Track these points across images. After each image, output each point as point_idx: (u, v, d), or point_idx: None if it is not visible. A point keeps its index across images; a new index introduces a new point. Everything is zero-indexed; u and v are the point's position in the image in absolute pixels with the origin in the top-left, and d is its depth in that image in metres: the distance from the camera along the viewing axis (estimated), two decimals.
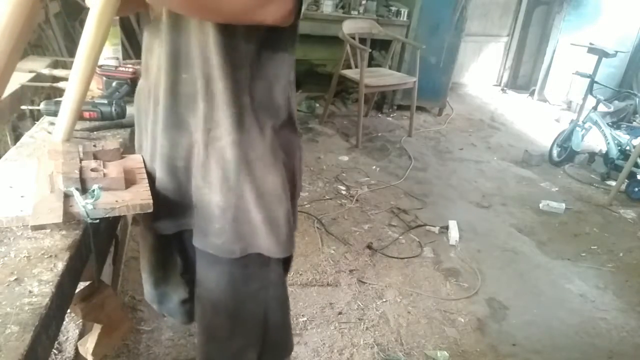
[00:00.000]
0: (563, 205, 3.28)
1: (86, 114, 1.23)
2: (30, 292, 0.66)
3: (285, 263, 1.13)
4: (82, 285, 0.90)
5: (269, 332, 1.12)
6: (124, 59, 1.80)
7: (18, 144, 1.13)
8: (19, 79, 1.54)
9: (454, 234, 2.73)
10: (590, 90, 3.89)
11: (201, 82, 0.89)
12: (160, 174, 1.01)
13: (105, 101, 1.28)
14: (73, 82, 0.93)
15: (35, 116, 1.40)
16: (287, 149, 1.00)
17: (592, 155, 4.11)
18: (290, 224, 1.02)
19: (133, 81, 1.52)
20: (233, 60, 0.87)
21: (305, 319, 2.01)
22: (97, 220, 0.81)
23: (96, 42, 0.89)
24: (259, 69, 0.91)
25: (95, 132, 1.21)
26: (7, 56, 0.64)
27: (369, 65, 4.52)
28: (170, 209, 1.04)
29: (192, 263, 1.10)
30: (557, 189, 3.67)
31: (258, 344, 1.12)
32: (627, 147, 3.69)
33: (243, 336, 1.11)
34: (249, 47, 0.88)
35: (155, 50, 0.94)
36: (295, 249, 1.07)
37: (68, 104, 0.96)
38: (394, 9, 4.62)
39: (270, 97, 0.94)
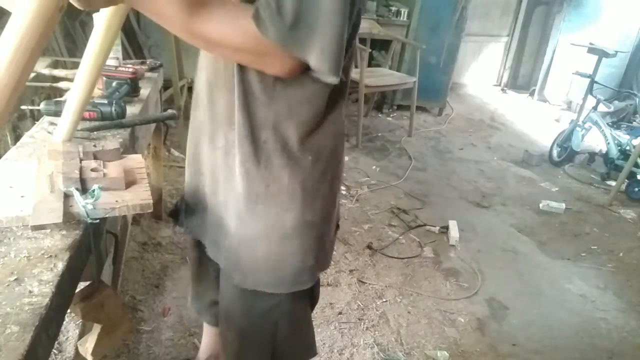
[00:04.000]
0: (563, 205, 3.28)
1: (86, 114, 1.23)
2: (30, 292, 0.66)
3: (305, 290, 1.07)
4: (82, 285, 0.90)
5: (277, 346, 1.10)
6: (124, 59, 1.80)
7: (18, 144, 1.13)
8: None
9: (454, 234, 2.72)
10: (590, 90, 3.89)
11: (227, 107, 0.89)
12: (188, 174, 1.06)
13: (105, 101, 1.28)
14: (79, 83, 0.94)
15: (35, 116, 1.40)
16: (313, 189, 0.93)
17: (592, 155, 4.11)
18: (300, 262, 0.97)
19: (133, 81, 1.52)
20: (255, 93, 0.84)
21: None
22: (97, 220, 0.81)
23: (104, 47, 0.90)
24: (286, 105, 0.86)
25: (95, 132, 1.21)
26: (21, 69, 0.63)
27: (369, 65, 4.52)
28: (190, 213, 1.08)
29: None
30: (557, 189, 3.67)
31: (268, 358, 1.11)
32: (627, 147, 3.69)
33: (253, 353, 1.11)
34: (274, 82, 0.83)
35: (203, 58, 0.95)
36: (312, 281, 1.02)
37: (72, 104, 0.96)
38: (394, 9, 4.62)
39: (296, 135, 0.88)
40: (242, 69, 0.84)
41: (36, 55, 0.64)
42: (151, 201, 0.87)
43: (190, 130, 1.06)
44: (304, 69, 0.77)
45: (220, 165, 0.95)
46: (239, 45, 0.75)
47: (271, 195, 0.91)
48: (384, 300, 2.18)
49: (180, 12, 0.71)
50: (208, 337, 1.50)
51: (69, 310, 0.83)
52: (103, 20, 0.86)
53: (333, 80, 0.75)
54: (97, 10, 0.85)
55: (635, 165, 3.42)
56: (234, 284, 1.00)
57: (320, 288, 2.29)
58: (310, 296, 1.14)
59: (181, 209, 1.15)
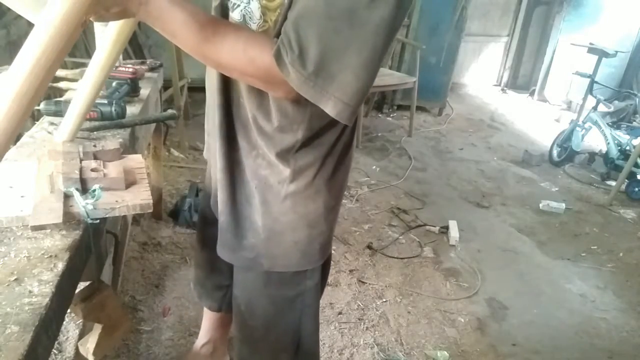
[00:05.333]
0: (563, 205, 3.28)
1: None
2: (30, 292, 0.66)
3: (326, 262, 1.12)
4: (82, 285, 0.90)
5: (303, 341, 1.12)
6: (124, 59, 1.80)
7: (18, 144, 1.13)
8: None
9: (454, 234, 2.72)
10: (590, 90, 3.89)
11: (250, 115, 0.90)
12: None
13: (105, 101, 1.28)
14: (85, 86, 0.94)
15: (35, 116, 1.40)
16: (334, 178, 0.99)
17: (592, 155, 4.11)
18: (326, 238, 1.03)
19: (133, 81, 1.52)
20: (282, 102, 0.85)
21: None
22: (97, 221, 0.81)
23: (113, 53, 0.90)
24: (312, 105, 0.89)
25: (95, 132, 1.21)
26: (41, 80, 0.64)
27: None
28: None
29: None
30: (557, 189, 3.67)
31: (292, 351, 1.12)
32: (627, 147, 3.69)
33: (277, 341, 1.12)
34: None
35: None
36: (329, 253, 1.09)
37: (76, 106, 0.97)
38: None
39: (318, 136, 0.92)
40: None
41: (55, 67, 0.65)
42: (151, 201, 0.87)
43: (206, 132, 1.08)
44: (297, 97, 0.79)
45: (242, 166, 0.96)
46: (250, 73, 0.76)
47: (299, 190, 0.94)
48: (384, 300, 2.18)
49: (194, 35, 0.72)
50: (208, 322, 1.51)
51: (69, 310, 0.83)
52: (114, 27, 0.87)
53: (344, 122, 0.76)
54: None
55: (635, 165, 3.42)
56: (263, 270, 1.02)
57: None
58: (324, 280, 1.18)
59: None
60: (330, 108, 0.73)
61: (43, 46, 0.63)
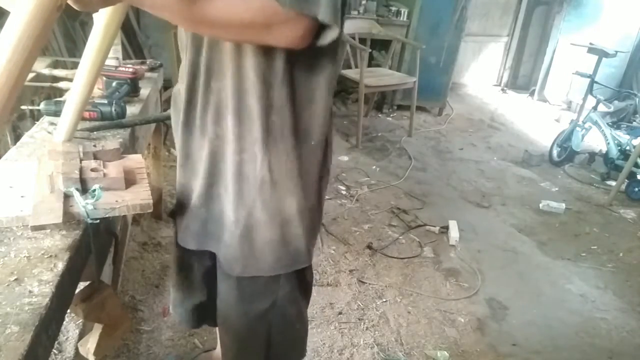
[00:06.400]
0: (563, 205, 3.28)
1: (86, 114, 1.23)
2: (30, 292, 0.66)
3: (301, 274, 1.10)
4: (82, 285, 0.90)
5: (273, 352, 1.12)
6: (124, 59, 1.80)
7: (18, 144, 1.13)
8: None
9: (454, 234, 2.72)
10: (590, 90, 3.88)
11: (231, 95, 0.88)
12: (180, 171, 1.08)
13: (105, 101, 1.28)
14: (78, 84, 0.94)
15: (35, 116, 1.40)
16: (313, 173, 0.98)
17: (592, 155, 4.11)
18: (301, 241, 1.01)
19: (133, 81, 1.52)
20: (267, 78, 0.85)
21: None
22: (97, 220, 0.81)
23: (103, 47, 0.90)
24: (294, 90, 0.88)
25: (95, 132, 1.21)
26: (20, 68, 0.63)
27: (369, 65, 4.52)
28: (182, 213, 1.10)
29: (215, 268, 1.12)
30: (557, 189, 3.67)
31: None
32: (627, 147, 3.69)
33: (249, 356, 1.13)
34: (285, 67, 0.85)
35: (185, 55, 0.94)
36: (309, 262, 1.06)
37: (72, 105, 0.97)
38: (394, 9, 4.62)
39: (301, 120, 0.91)
40: (255, 55, 0.83)
41: (34, 54, 0.64)
42: (151, 201, 0.87)
43: (174, 129, 1.05)
44: (311, 38, 0.77)
45: (219, 156, 0.95)
46: (248, 21, 0.74)
47: (276, 181, 0.93)
48: (384, 300, 2.18)
49: (187, 2, 0.71)
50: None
51: (69, 310, 0.83)
52: (102, 20, 0.87)
53: (335, 31, 0.76)
54: (96, 11, 0.85)
55: (635, 165, 3.42)
56: (236, 274, 1.01)
57: (320, 288, 2.31)
58: (305, 290, 1.16)
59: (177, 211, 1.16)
60: (322, 12, 0.73)
61: (19, 33, 0.62)
